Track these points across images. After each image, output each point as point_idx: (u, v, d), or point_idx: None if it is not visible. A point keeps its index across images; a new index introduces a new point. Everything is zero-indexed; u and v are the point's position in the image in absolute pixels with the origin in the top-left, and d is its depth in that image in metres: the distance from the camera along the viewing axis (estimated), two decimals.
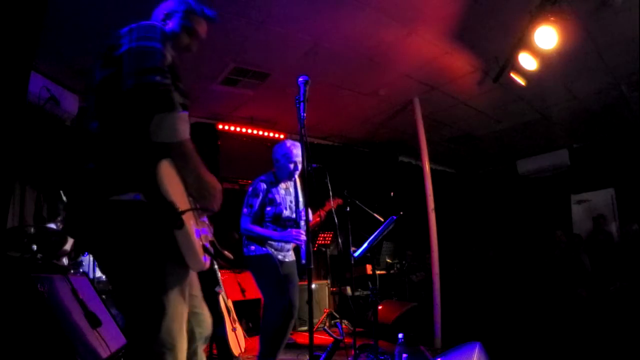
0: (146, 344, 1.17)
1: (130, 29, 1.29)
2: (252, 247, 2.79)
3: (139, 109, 1.16)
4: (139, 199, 1.16)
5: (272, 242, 2.81)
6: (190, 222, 1.24)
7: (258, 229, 2.78)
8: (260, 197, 2.82)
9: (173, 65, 1.28)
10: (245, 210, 2.83)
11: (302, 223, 2.80)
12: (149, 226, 1.17)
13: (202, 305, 1.55)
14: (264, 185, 2.85)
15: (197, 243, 1.25)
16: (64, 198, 3.41)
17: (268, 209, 2.82)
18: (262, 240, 2.79)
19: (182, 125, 1.21)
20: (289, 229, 2.78)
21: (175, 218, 1.17)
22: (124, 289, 1.22)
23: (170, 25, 1.53)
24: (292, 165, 2.84)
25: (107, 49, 1.30)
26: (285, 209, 2.85)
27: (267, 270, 2.73)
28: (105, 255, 1.26)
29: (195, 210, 1.30)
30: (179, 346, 1.20)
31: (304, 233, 2.73)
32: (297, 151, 2.83)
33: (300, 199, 2.90)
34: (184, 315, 1.26)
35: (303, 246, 2.72)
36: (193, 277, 1.49)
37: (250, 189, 2.88)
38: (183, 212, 1.19)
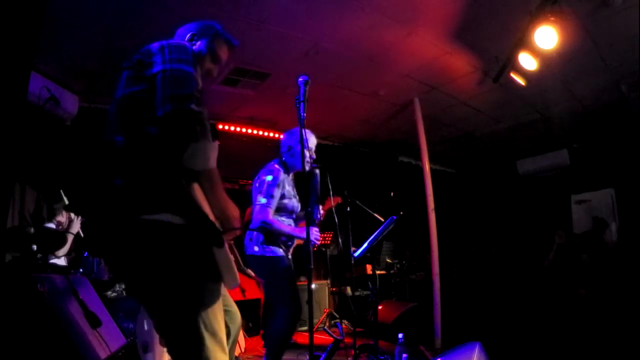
0: None
1: (162, 46, 1.29)
2: (269, 248, 2.53)
3: (175, 135, 1.19)
4: (169, 221, 1.16)
5: (286, 240, 2.58)
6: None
7: (278, 224, 2.51)
8: (280, 188, 2.55)
9: (200, 90, 1.31)
10: (265, 200, 2.49)
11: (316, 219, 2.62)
12: (189, 246, 1.19)
13: (231, 303, 1.64)
14: (282, 175, 2.58)
15: (233, 260, 1.32)
16: (64, 198, 3.41)
17: (285, 201, 2.57)
18: (280, 237, 2.54)
19: (213, 154, 1.27)
20: (311, 227, 2.51)
21: (218, 236, 1.22)
22: (164, 310, 1.22)
23: (197, 46, 1.55)
24: (307, 153, 2.56)
25: (136, 64, 1.30)
26: (297, 202, 2.69)
27: (282, 275, 2.54)
28: (140, 276, 1.24)
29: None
30: (220, 358, 1.22)
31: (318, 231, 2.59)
32: (312, 139, 2.66)
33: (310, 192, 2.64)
34: (223, 326, 1.29)
35: (309, 245, 2.61)
36: None
37: (270, 176, 2.55)
38: (223, 232, 1.26)
